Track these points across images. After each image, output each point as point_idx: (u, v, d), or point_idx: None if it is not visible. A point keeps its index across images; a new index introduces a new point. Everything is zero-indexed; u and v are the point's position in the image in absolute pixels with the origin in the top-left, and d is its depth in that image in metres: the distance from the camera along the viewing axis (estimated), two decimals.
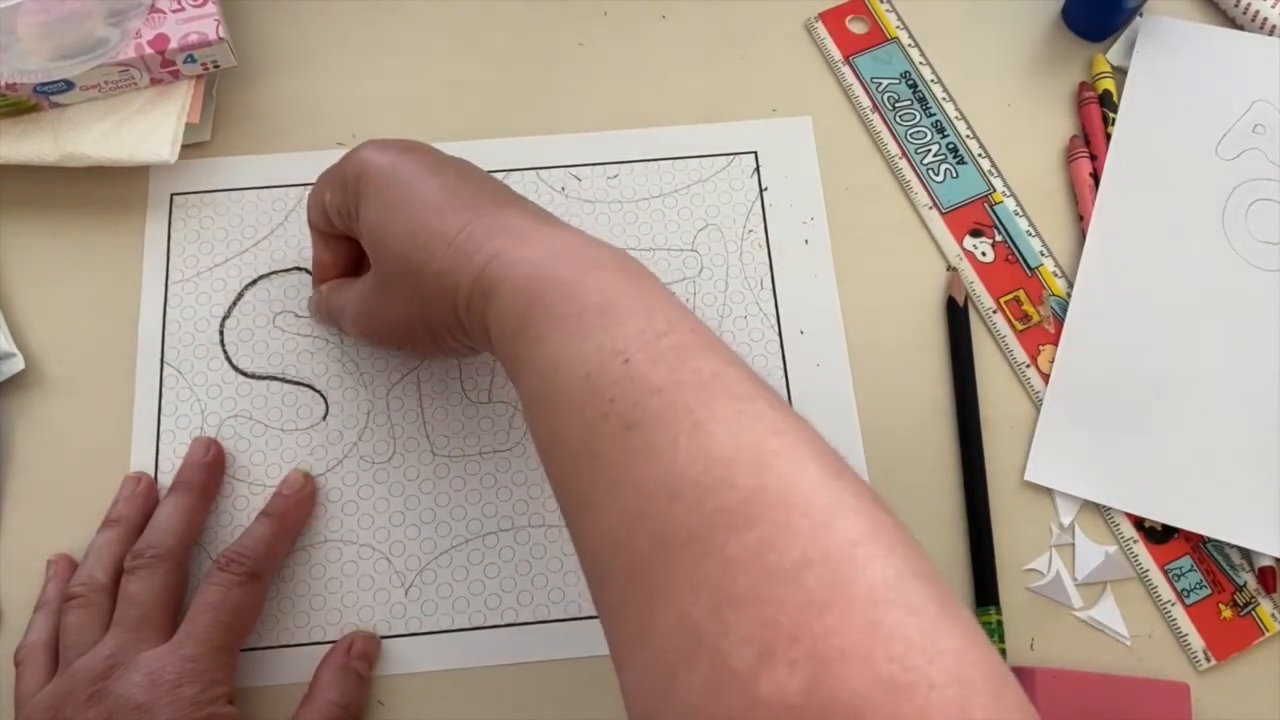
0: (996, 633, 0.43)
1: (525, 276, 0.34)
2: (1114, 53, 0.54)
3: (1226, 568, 0.45)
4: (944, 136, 0.52)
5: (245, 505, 0.45)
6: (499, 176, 0.50)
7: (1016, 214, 0.51)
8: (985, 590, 0.44)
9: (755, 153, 0.51)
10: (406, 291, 0.38)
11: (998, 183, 0.51)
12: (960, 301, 0.48)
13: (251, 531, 0.42)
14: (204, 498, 0.44)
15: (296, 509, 0.44)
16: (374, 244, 0.40)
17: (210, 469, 0.44)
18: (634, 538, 0.28)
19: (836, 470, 0.28)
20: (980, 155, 0.52)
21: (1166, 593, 0.45)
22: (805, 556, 0.25)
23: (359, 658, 0.42)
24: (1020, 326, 0.49)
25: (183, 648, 0.38)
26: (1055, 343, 0.48)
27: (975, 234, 0.50)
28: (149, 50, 0.46)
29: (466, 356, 0.47)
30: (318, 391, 0.47)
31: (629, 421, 0.29)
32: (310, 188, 0.44)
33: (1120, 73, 0.53)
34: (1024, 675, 0.43)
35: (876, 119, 0.52)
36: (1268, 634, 0.44)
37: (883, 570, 0.25)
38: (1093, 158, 0.51)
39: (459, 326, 0.37)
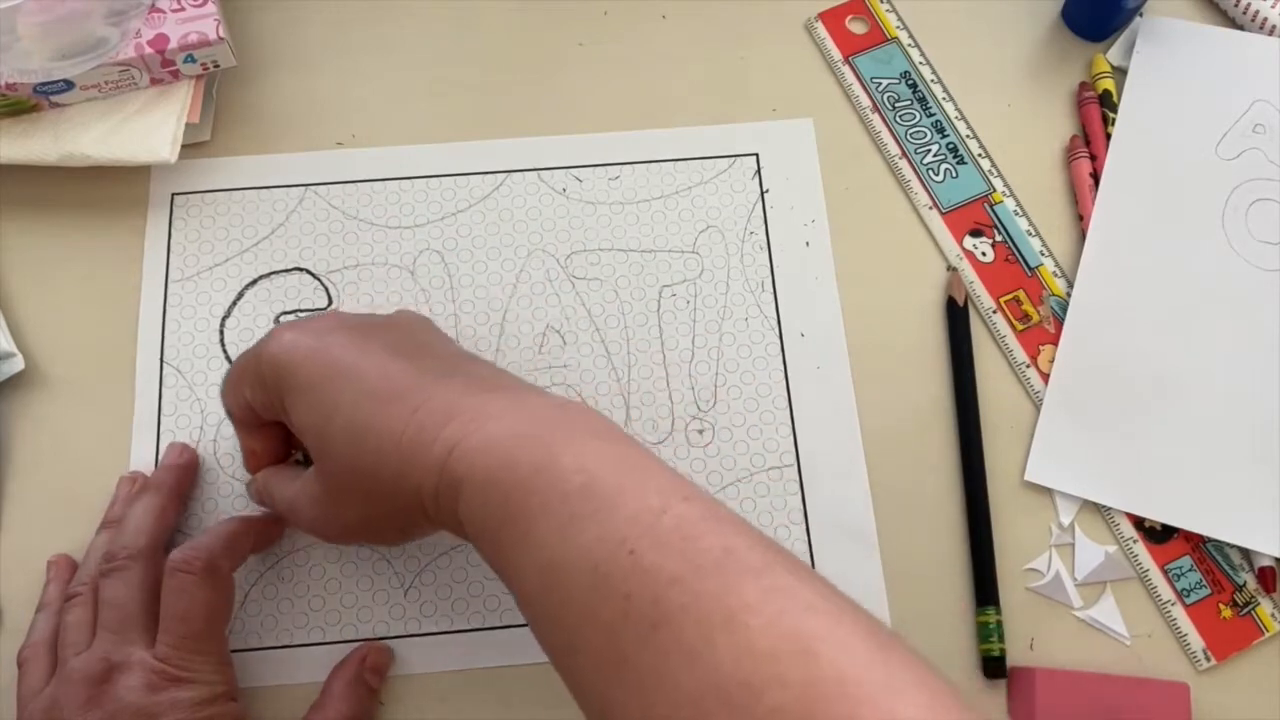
0: (996, 633, 0.43)
1: (493, 467, 0.32)
2: (1114, 53, 0.54)
3: (1226, 568, 0.45)
4: (944, 136, 0.52)
5: (245, 505, 0.45)
6: (500, 177, 0.51)
7: (1016, 214, 0.51)
8: (985, 590, 0.44)
9: (756, 155, 0.51)
10: (362, 494, 0.36)
11: (998, 183, 0.51)
12: (960, 301, 0.48)
13: (208, 530, 0.41)
14: (175, 497, 0.43)
15: (267, 519, 0.43)
16: (315, 448, 0.37)
17: (183, 470, 0.44)
18: None
19: (879, 640, 0.27)
20: (980, 155, 0.52)
21: (1166, 592, 0.45)
22: None
23: (372, 670, 0.42)
24: (1020, 326, 0.49)
25: (168, 658, 0.38)
26: (1055, 343, 0.48)
27: (975, 234, 0.50)
28: (149, 50, 0.46)
29: None
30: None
31: (653, 620, 0.28)
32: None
33: (1120, 73, 0.53)
34: (1024, 675, 0.43)
35: (876, 119, 0.52)
36: (1267, 634, 0.44)
37: None
38: (1093, 158, 0.51)
39: (427, 521, 0.35)
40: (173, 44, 0.47)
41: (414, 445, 0.34)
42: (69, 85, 0.46)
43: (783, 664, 0.26)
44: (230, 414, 0.41)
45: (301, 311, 0.48)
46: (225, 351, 0.47)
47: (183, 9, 0.47)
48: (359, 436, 0.35)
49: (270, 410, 0.39)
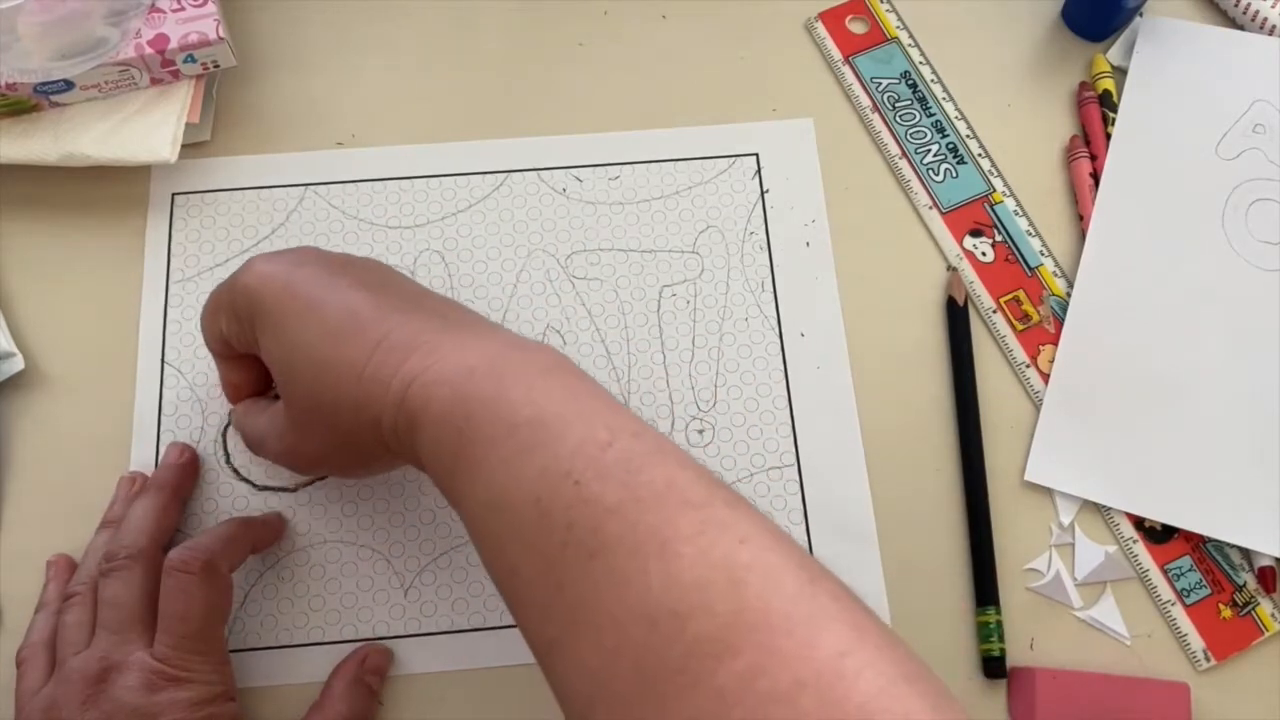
0: (996, 633, 0.43)
1: (447, 400, 0.33)
2: (1114, 53, 0.54)
3: (1226, 568, 0.45)
4: (944, 136, 0.52)
5: (245, 505, 0.45)
6: (500, 177, 0.51)
7: (1016, 214, 0.51)
8: (985, 590, 0.44)
9: (757, 155, 0.51)
10: (324, 426, 0.37)
11: (998, 183, 0.51)
12: (960, 301, 0.48)
13: (206, 531, 0.42)
14: (176, 497, 0.43)
15: (264, 521, 0.44)
16: (281, 378, 0.38)
17: (183, 470, 0.44)
18: (616, 673, 0.28)
19: (810, 573, 0.28)
20: (980, 155, 0.52)
21: (1166, 593, 0.45)
22: (796, 679, 0.25)
23: (372, 671, 0.42)
24: (1020, 326, 0.49)
25: (166, 658, 0.38)
26: (1055, 343, 0.48)
27: (975, 234, 0.50)
28: (149, 50, 0.46)
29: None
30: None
31: (591, 549, 0.28)
32: (214, 295, 0.41)
33: (1120, 73, 0.53)
34: (1024, 675, 0.43)
35: (876, 119, 0.52)
36: (1267, 634, 0.44)
37: (874, 680, 0.25)
38: (1093, 158, 0.51)
39: (388, 454, 0.36)
40: (173, 44, 0.47)
41: (373, 379, 0.34)
42: (69, 85, 0.46)
43: (711, 593, 0.27)
44: (208, 345, 0.42)
45: None
46: None
47: (183, 9, 0.47)
48: (321, 369, 0.36)
49: (244, 342, 0.39)
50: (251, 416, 0.41)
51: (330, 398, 0.36)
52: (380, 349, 0.35)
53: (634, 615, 0.27)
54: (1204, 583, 0.45)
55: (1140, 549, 0.45)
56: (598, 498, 0.29)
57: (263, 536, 0.43)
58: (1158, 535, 0.46)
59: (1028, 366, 0.48)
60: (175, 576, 0.39)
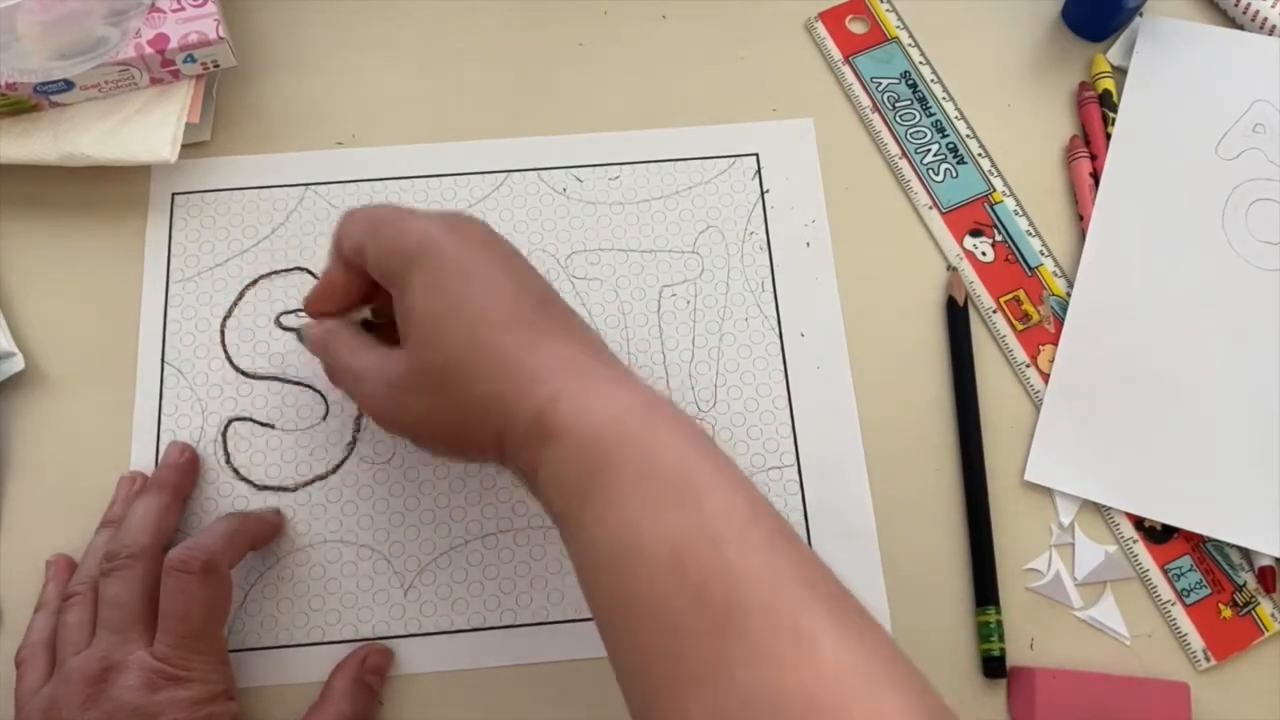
0: (996, 632, 0.43)
1: (595, 429, 0.32)
2: (1114, 53, 0.54)
3: (1226, 567, 0.45)
4: (944, 136, 0.52)
5: (245, 505, 0.45)
6: (500, 177, 0.51)
7: (1016, 214, 0.51)
8: (985, 590, 0.44)
9: (757, 155, 0.51)
10: (442, 395, 0.36)
11: (998, 182, 0.51)
12: (960, 301, 0.48)
13: (205, 529, 0.41)
14: (177, 497, 0.43)
15: (261, 518, 0.44)
16: (420, 332, 0.36)
17: (184, 470, 0.44)
18: None
19: (934, 710, 0.28)
20: (980, 155, 0.52)
21: (1166, 592, 0.45)
22: None
23: (372, 671, 0.42)
24: (1020, 326, 0.49)
25: (167, 657, 0.38)
26: (1055, 343, 0.48)
27: (975, 234, 0.50)
28: (149, 50, 0.46)
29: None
30: (318, 391, 0.47)
31: (722, 615, 0.28)
32: (344, 217, 0.40)
33: (1120, 73, 0.53)
34: (1024, 675, 0.43)
35: (876, 119, 0.52)
36: (1267, 634, 0.44)
37: None
38: (1093, 158, 0.51)
39: (494, 451, 0.35)
40: (173, 44, 0.47)
41: (518, 379, 0.34)
42: (69, 85, 0.46)
43: (851, 695, 0.27)
44: (335, 244, 0.40)
45: (303, 312, 0.48)
46: (226, 351, 0.47)
47: (183, 9, 0.47)
48: (468, 346, 0.35)
49: (379, 269, 0.38)
50: (350, 349, 0.39)
51: (467, 374, 0.35)
52: (538, 353, 0.35)
53: (761, 696, 0.27)
54: (1204, 583, 0.45)
55: (1140, 549, 0.45)
56: (737, 566, 0.29)
57: (261, 533, 0.43)
58: (1158, 535, 0.46)
59: (1028, 366, 0.48)
60: (175, 576, 0.39)
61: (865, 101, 0.53)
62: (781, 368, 0.48)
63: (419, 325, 0.36)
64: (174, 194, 0.50)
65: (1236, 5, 0.54)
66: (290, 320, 0.48)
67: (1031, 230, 0.50)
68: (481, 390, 0.35)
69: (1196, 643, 0.44)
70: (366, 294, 0.41)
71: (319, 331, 0.41)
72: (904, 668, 0.29)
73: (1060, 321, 0.48)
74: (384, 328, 0.41)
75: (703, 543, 0.30)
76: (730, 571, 0.29)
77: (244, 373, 0.47)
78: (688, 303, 0.49)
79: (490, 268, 0.37)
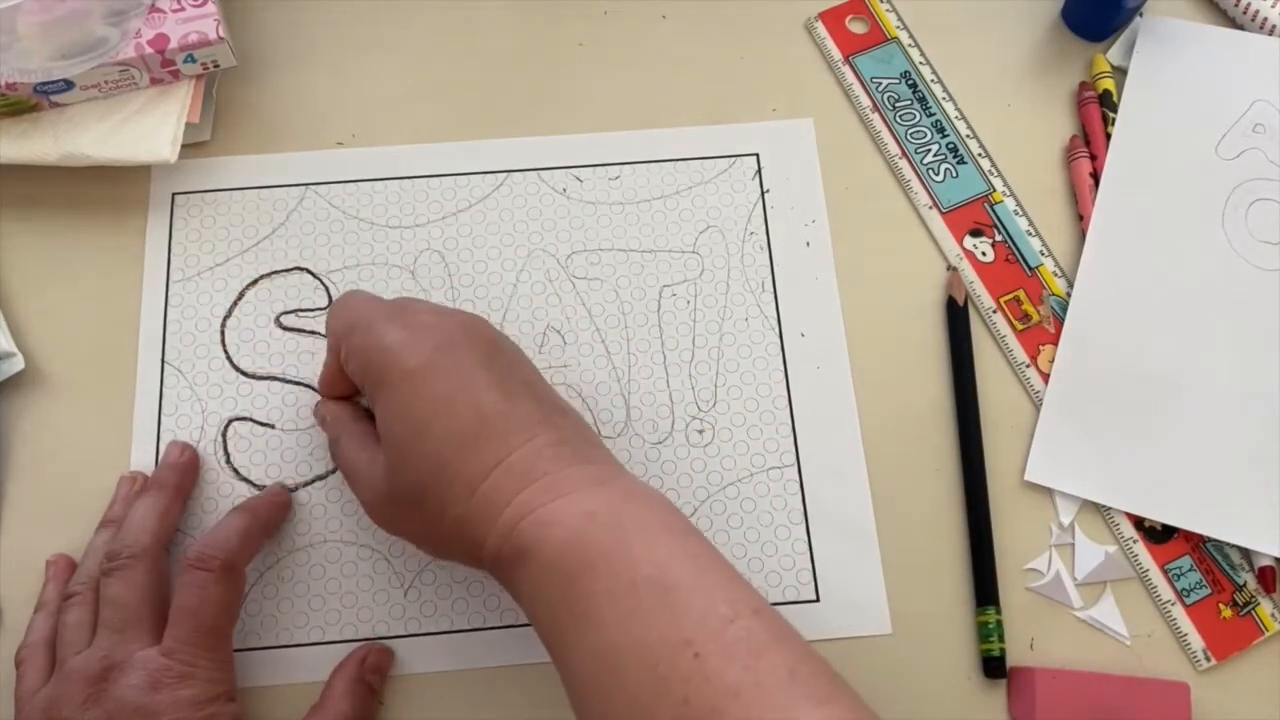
0: (996, 633, 0.43)
1: (563, 543, 0.32)
2: (1114, 53, 0.54)
3: (1226, 567, 0.45)
4: (944, 136, 0.52)
5: None
6: (500, 177, 0.51)
7: (1016, 214, 0.51)
8: (985, 590, 0.44)
9: (757, 155, 0.52)
10: (420, 514, 0.36)
11: (998, 182, 0.51)
12: (960, 301, 0.48)
13: (222, 525, 0.41)
14: (177, 496, 0.43)
15: (271, 503, 0.44)
16: (391, 454, 0.37)
17: (185, 469, 0.44)
18: None
19: None
20: (980, 155, 0.52)
21: (1166, 592, 0.45)
22: None
23: (373, 671, 0.42)
24: (1020, 326, 0.49)
25: (174, 653, 0.38)
26: (1055, 343, 0.48)
27: (975, 234, 0.50)
28: (149, 50, 0.46)
29: None
30: (318, 392, 0.47)
31: None
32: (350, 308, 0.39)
33: (1120, 73, 0.53)
34: (1024, 675, 0.43)
35: (876, 119, 0.52)
36: (1267, 634, 0.44)
37: None
38: (1093, 158, 0.51)
39: (477, 565, 0.36)
40: (173, 44, 0.47)
41: (486, 500, 0.34)
42: (69, 85, 0.46)
43: None
44: (329, 332, 0.40)
45: (303, 312, 0.48)
46: (226, 351, 0.47)
47: (183, 9, 0.47)
48: (438, 469, 0.35)
49: (355, 379, 0.39)
50: (349, 444, 0.40)
51: (436, 497, 0.35)
52: (498, 470, 0.34)
53: None
54: (1204, 583, 0.45)
55: (1140, 549, 0.45)
56: (718, 675, 0.29)
57: (272, 520, 0.43)
58: (1158, 535, 0.46)
59: (1028, 366, 0.48)
60: (192, 573, 0.39)
61: (865, 101, 0.53)
62: (781, 368, 0.48)
63: (391, 447, 0.37)
64: (174, 194, 0.50)
65: (1236, 5, 0.54)
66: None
67: (1031, 230, 0.50)
68: (452, 514, 0.35)
69: (1196, 643, 0.44)
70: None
71: (323, 412, 0.43)
72: None
73: (1060, 321, 0.48)
74: None
75: (682, 654, 0.29)
76: (711, 682, 0.29)
77: (244, 373, 0.47)
78: (688, 303, 0.49)
79: (451, 381, 0.36)
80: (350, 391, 0.42)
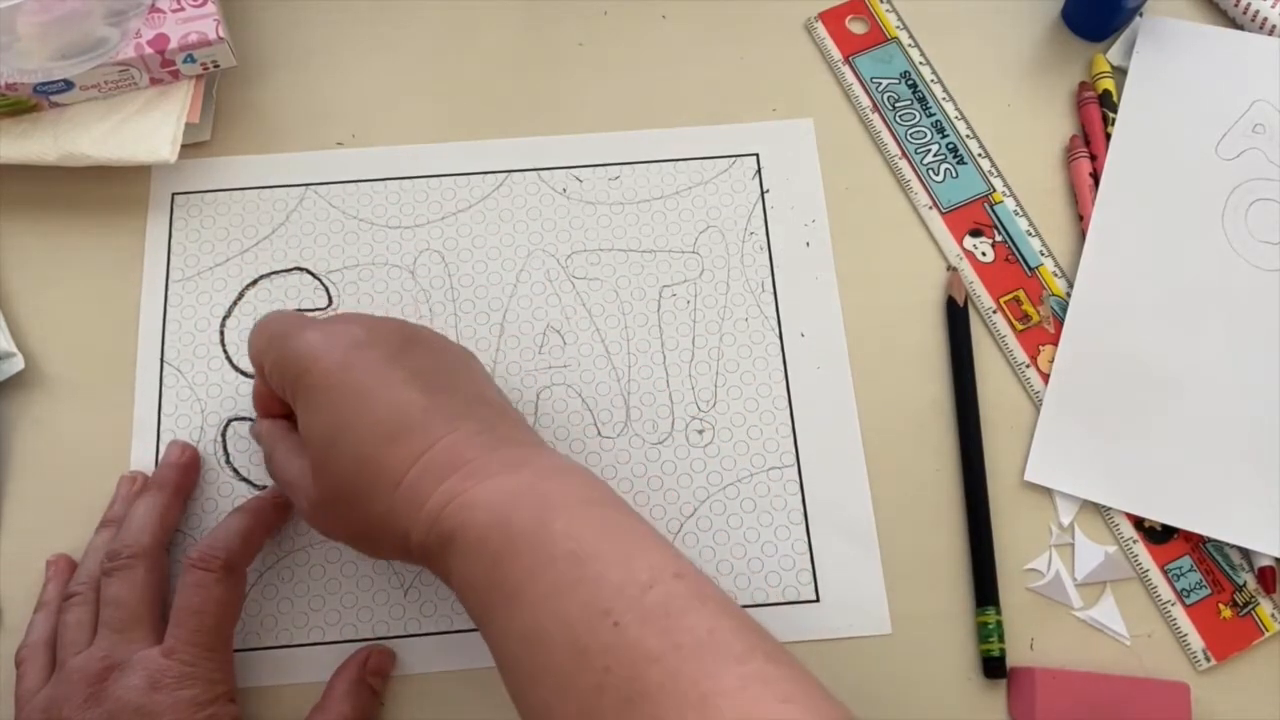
0: (996, 633, 0.43)
1: (485, 525, 0.32)
2: (1114, 53, 0.54)
3: (1226, 568, 0.45)
4: (944, 136, 0.52)
5: None
6: (500, 177, 0.51)
7: (1016, 214, 0.51)
8: (985, 590, 0.44)
9: (757, 155, 0.52)
10: (349, 515, 0.36)
11: (998, 183, 0.51)
12: (960, 301, 0.48)
13: (223, 525, 0.41)
14: (178, 496, 0.43)
15: (272, 504, 0.43)
16: (316, 457, 0.37)
17: (185, 469, 0.44)
18: None
19: None
20: (980, 155, 0.52)
21: (1166, 593, 0.45)
22: None
23: (374, 672, 0.42)
24: (1020, 326, 0.49)
25: (175, 653, 0.38)
26: (1055, 343, 0.48)
27: (975, 234, 0.50)
28: (149, 50, 0.46)
29: None
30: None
31: (628, 695, 0.28)
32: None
33: (1120, 73, 0.53)
34: (1024, 675, 0.43)
35: (876, 119, 0.52)
36: (1267, 634, 0.44)
37: None
38: (1093, 158, 0.51)
39: (409, 559, 0.36)
40: (173, 44, 0.47)
41: (410, 494, 0.34)
42: (69, 85, 0.46)
43: None
44: (251, 358, 0.40)
45: (303, 312, 0.48)
46: (226, 351, 0.47)
47: (183, 9, 0.47)
48: (361, 466, 0.35)
49: (277, 388, 0.39)
50: (283, 458, 0.39)
51: (362, 495, 0.35)
52: (421, 463, 0.34)
53: None
54: (1204, 583, 0.45)
55: (1140, 549, 0.45)
56: (637, 642, 0.29)
57: (273, 520, 0.43)
58: (1158, 535, 0.46)
59: (1028, 366, 0.48)
60: (195, 573, 0.39)
61: (865, 101, 0.53)
62: (781, 368, 0.48)
63: (314, 449, 0.37)
64: (174, 194, 0.50)
65: (1236, 5, 0.54)
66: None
67: (1031, 230, 0.50)
68: (378, 509, 0.35)
69: (1196, 643, 0.44)
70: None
71: (257, 430, 0.42)
72: (819, 703, 0.29)
73: (1060, 321, 0.48)
74: None
75: (601, 623, 0.29)
76: (631, 649, 0.29)
77: (244, 373, 0.47)
78: (688, 303, 0.49)
79: (366, 378, 0.36)
80: (282, 410, 0.41)
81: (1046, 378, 0.48)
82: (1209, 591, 0.45)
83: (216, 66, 0.49)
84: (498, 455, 0.35)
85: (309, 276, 0.49)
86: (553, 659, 0.30)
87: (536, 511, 0.32)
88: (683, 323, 0.49)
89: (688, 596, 0.30)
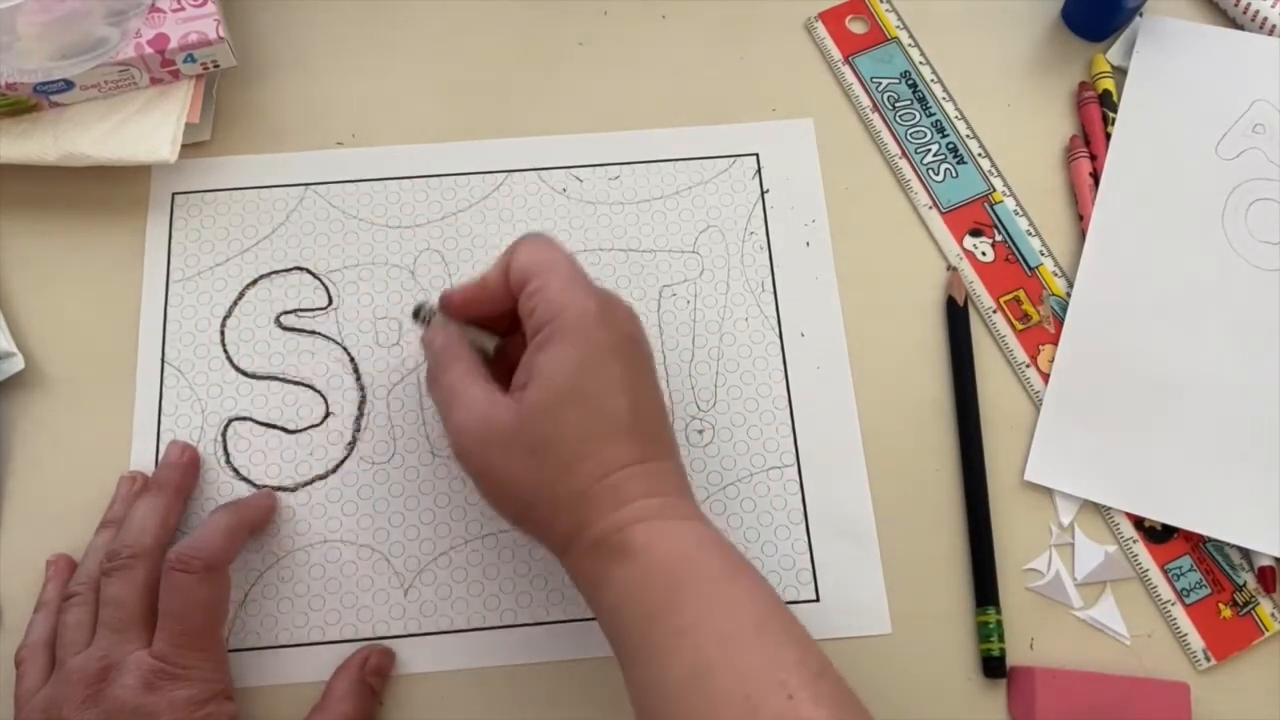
0: (996, 632, 0.43)
1: (673, 556, 0.34)
2: (1114, 53, 0.54)
3: (1226, 567, 0.45)
4: (944, 136, 0.52)
5: None
6: (500, 177, 0.51)
7: (1016, 214, 0.51)
8: (985, 590, 0.44)
9: (757, 155, 0.52)
10: (533, 467, 0.36)
11: (998, 182, 0.51)
12: (960, 301, 0.48)
13: (203, 525, 0.41)
14: (178, 497, 0.43)
15: (256, 505, 0.44)
16: (538, 399, 0.36)
17: (185, 469, 0.44)
18: None
19: None
20: (980, 155, 0.52)
21: (1166, 592, 0.45)
22: None
23: (374, 672, 0.42)
24: (1020, 326, 0.49)
25: (165, 655, 0.38)
26: (1055, 343, 0.48)
27: (975, 234, 0.50)
28: (149, 50, 0.46)
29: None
30: (318, 391, 0.47)
31: None
32: (527, 249, 0.39)
33: (1120, 73, 0.53)
34: (1024, 675, 0.43)
35: (876, 119, 0.52)
36: (1267, 634, 0.44)
37: None
38: (1093, 158, 0.51)
39: (558, 541, 0.36)
40: (173, 44, 0.47)
41: (613, 490, 0.35)
42: (69, 85, 0.46)
43: None
44: (509, 258, 0.39)
45: (303, 311, 0.48)
46: (226, 352, 0.47)
47: (183, 9, 0.47)
48: (586, 437, 0.36)
49: (529, 309, 0.38)
50: (465, 368, 0.38)
51: (567, 464, 0.36)
52: (635, 469, 0.36)
53: None
54: (1204, 582, 0.45)
55: (1140, 549, 0.45)
56: (808, 719, 0.31)
57: (256, 519, 0.43)
58: (1158, 535, 0.46)
59: (1028, 366, 0.48)
60: (175, 576, 0.39)
61: (865, 101, 0.53)
62: (781, 368, 0.48)
63: (542, 390, 0.36)
64: (174, 194, 0.50)
65: (1236, 5, 0.54)
66: (417, 299, 0.45)
67: (1031, 230, 0.50)
68: (573, 485, 0.36)
69: (1196, 643, 0.44)
70: (505, 318, 0.40)
71: (441, 335, 0.40)
72: None
73: (1060, 321, 0.48)
74: (492, 362, 0.42)
75: (776, 689, 0.31)
76: None
77: (244, 373, 0.47)
78: (688, 303, 0.49)
79: (626, 373, 0.37)
80: (481, 315, 0.41)
81: (1046, 377, 0.48)
82: (1209, 591, 0.45)
83: (216, 66, 0.49)
84: (690, 505, 0.37)
85: (309, 276, 0.49)
86: (717, 703, 0.32)
87: (727, 564, 0.35)
88: (683, 322, 0.49)
89: (848, 694, 0.33)
